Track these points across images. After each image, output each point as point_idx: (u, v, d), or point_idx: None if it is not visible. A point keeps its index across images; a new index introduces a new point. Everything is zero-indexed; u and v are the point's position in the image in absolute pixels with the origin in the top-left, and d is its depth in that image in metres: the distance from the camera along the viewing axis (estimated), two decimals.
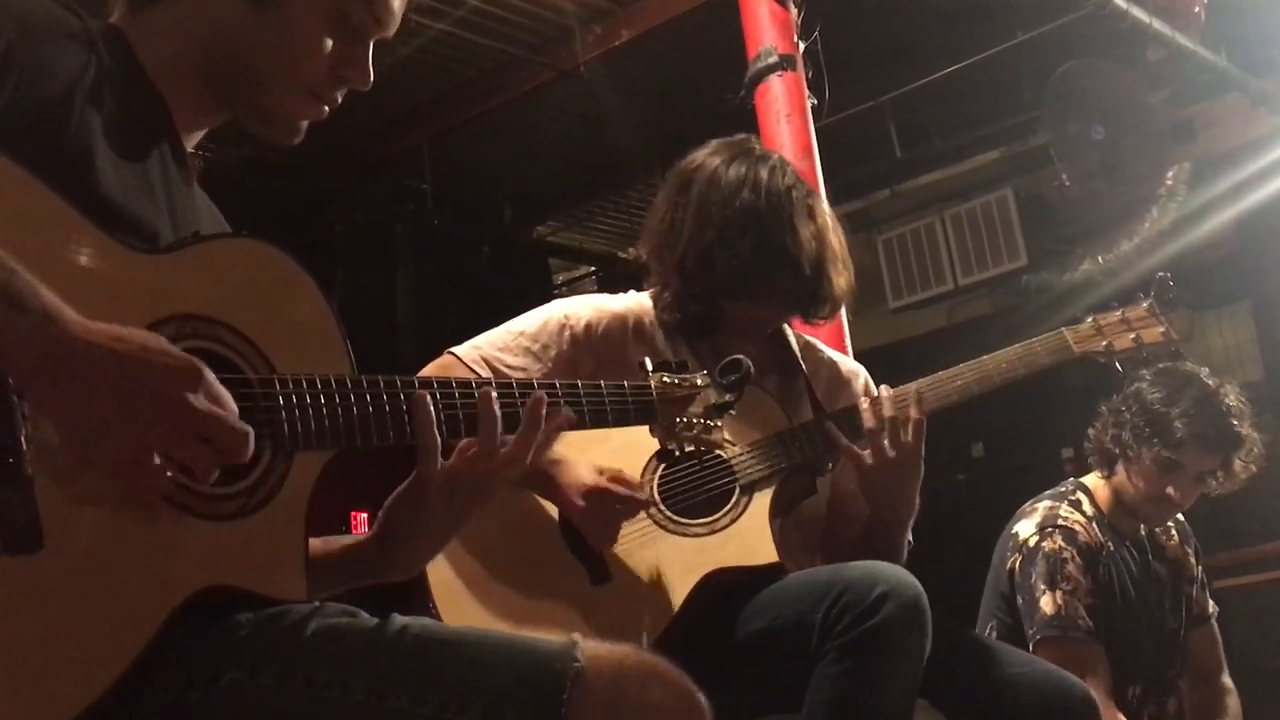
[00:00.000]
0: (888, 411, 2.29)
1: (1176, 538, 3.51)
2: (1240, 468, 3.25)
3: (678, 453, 1.76)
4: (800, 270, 2.38)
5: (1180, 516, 3.51)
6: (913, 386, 2.37)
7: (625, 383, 1.68)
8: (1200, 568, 3.54)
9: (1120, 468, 3.32)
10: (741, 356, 1.79)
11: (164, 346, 1.20)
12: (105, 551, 1.22)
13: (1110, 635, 3.19)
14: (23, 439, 1.16)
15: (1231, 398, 3.23)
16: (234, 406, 1.24)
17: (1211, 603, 3.58)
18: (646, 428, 1.75)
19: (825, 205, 2.52)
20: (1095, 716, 2.29)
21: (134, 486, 1.22)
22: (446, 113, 6.41)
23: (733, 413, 1.78)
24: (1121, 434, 3.28)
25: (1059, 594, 3.15)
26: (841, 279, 2.44)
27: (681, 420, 1.73)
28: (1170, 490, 3.23)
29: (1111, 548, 3.29)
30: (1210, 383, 3.25)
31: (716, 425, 1.77)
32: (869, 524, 2.41)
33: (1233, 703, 3.52)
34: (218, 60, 1.52)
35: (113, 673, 1.20)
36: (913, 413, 2.30)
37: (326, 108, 1.58)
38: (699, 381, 1.76)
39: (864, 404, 2.33)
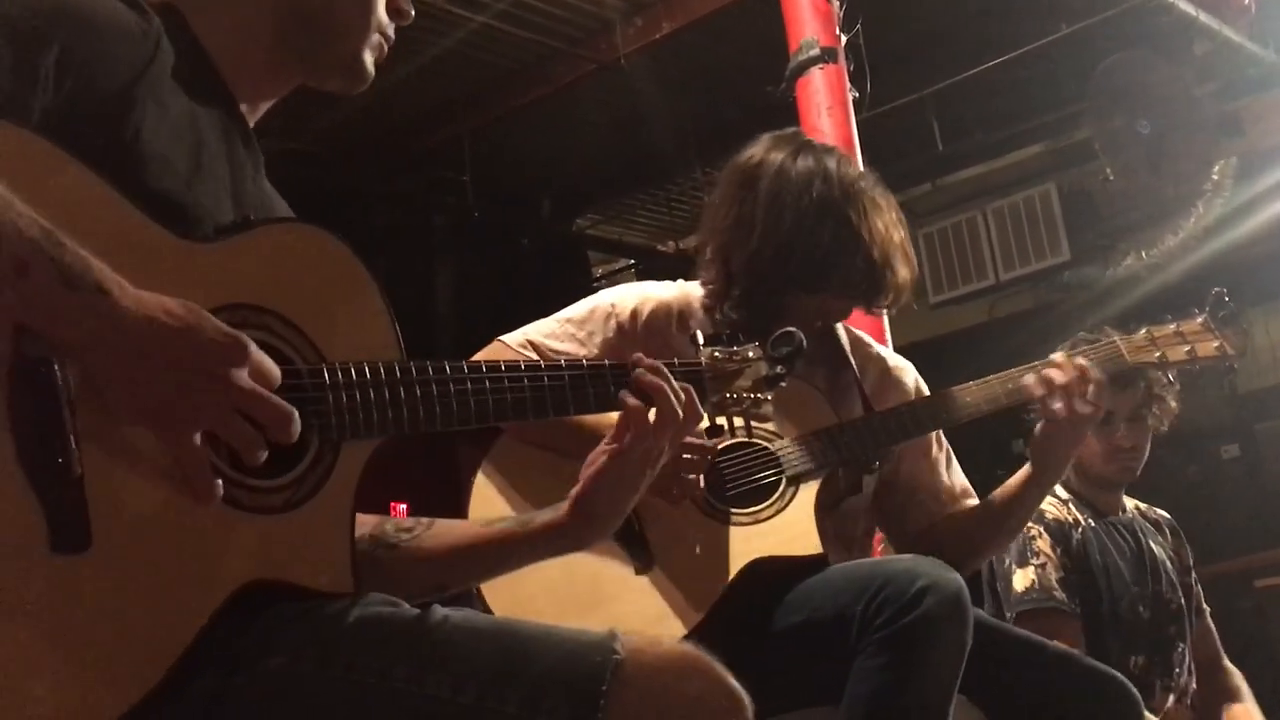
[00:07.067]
0: (1071, 374, 2.29)
1: (1169, 535, 3.55)
2: (1162, 392, 3.28)
3: (726, 427, 1.73)
4: (871, 258, 2.38)
5: (1169, 515, 3.57)
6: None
7: (676, 360, 1.66)
8: (1193, 567, 3.58)
9: None
10: (794, 329, 1.76)
11: (212, 323, 1.21)
12: (152, 548, 1.22)
13: (1098, 607, 3.22)
14: (72, 438, 1.16)
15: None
16: (278, 375, 1.25)
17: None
18: None
19: (891, 197, 2.51)
20: (1137, 711, 2.28)
21: (184, 467, 1.22)
22: (487, 105, 6.43)
23: (784, 385, 1.75)
24: None
25: (1031, 569, 3.20)
26: (905, 269, 2.44)
27: (730, 395, 1.71)
28: (1119, 440, 3.27)
29: (1092, 524, 3.33)
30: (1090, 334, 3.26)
31: (766, 399, 1.73)
32: (1023, 486, 2.40)
33: (1243, 683, 3.53)
34: (294, 19, 1.54)
35: (161, 668, 1.20)
36: (1094, 375, 2.30)
37: (385, 46, 1.62)
38: (750, 354, 1.73)
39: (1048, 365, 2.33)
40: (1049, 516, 3.28)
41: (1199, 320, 2.46)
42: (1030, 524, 3.22)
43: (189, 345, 1.18)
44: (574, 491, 1.59)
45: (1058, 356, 2.34)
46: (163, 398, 1.18)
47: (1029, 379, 2.32)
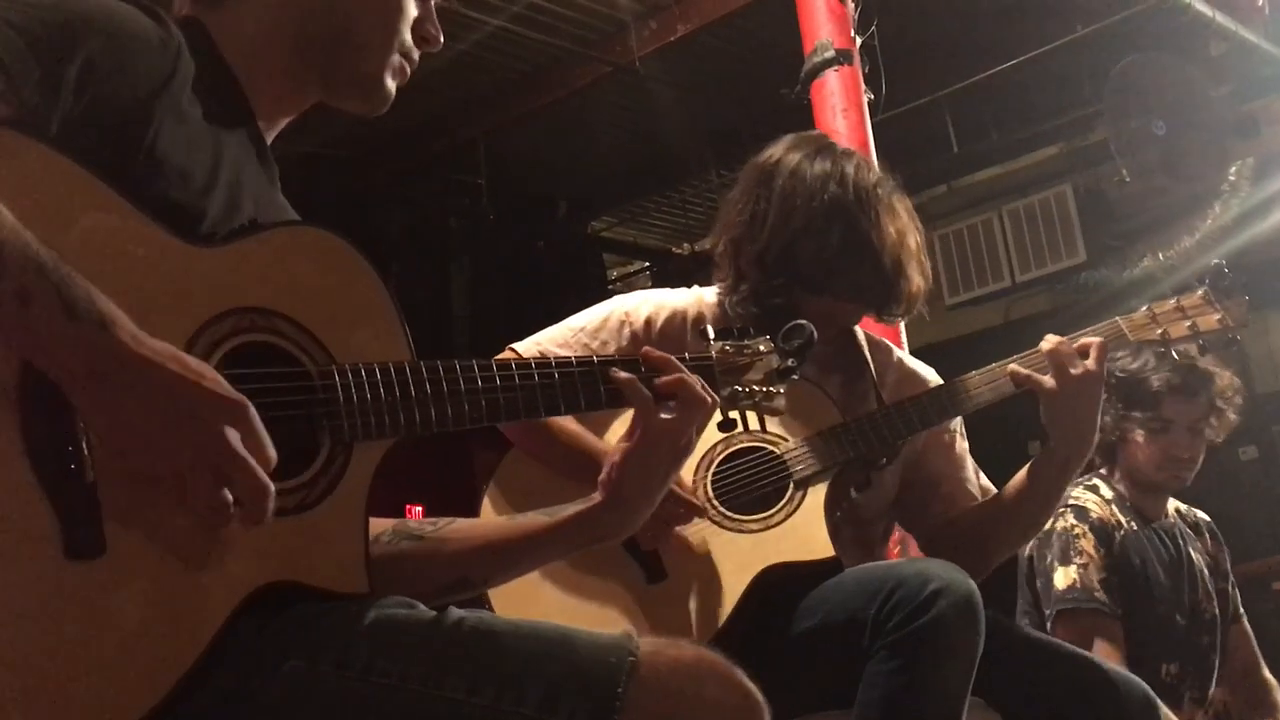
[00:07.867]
0: (1064, 343, 2.28)
1: (1208, 538, 3.54)
2: (1224, 405, 3.30)
3: (738, 421, 1.72)
4: (882, 265, 2.37)
5: (1208, 518, 3.56)
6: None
7: (686, 354, 1.64)
8: (1230, 572, 3.56)
9: (1121, 452, 3.35)
10: (804, 321, 1.75)
11: (219, 379, 1.19)
12: (166, 552, 1.23)
13: (1135, 612, 3.20)
14: (84, 445, 1.17)
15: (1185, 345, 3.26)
16: (272, 455, 1.21)
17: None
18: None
19: (908, 204, 2.50)
20: (1155, 716, 2.26)
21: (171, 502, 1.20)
22: (502, 108, 6.44)
23: (795, 378, 1.74)
24: (1105, 419, 3.27)
25: (1073, 568, 3.19)
26: (918, 278, 2.43)
27: (742, 389, 1.69)
28: (1178, 450, 3.28)
29: (1135, 528, 3.31)
30: None
31: (778, 392, 1.72)
32: (1040, 461, 2.35)
33: None
34: (315, 37, 1.54)
35: (177, 673, 1.20)
36: (1093, 339, 2.29)
37: (409, 69, 1.62)
38: (761, 348, 1.71)
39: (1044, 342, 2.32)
40: (1093, 516, 3.26)
41: (1199, 293, 2.43)
42: (1076, 523, 3.22)
43: (187, 392, 1.16)
44: (602, 477, 1.59)
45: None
46: (148, 439, 1.16)
47: (1024, 361, 2.32)
